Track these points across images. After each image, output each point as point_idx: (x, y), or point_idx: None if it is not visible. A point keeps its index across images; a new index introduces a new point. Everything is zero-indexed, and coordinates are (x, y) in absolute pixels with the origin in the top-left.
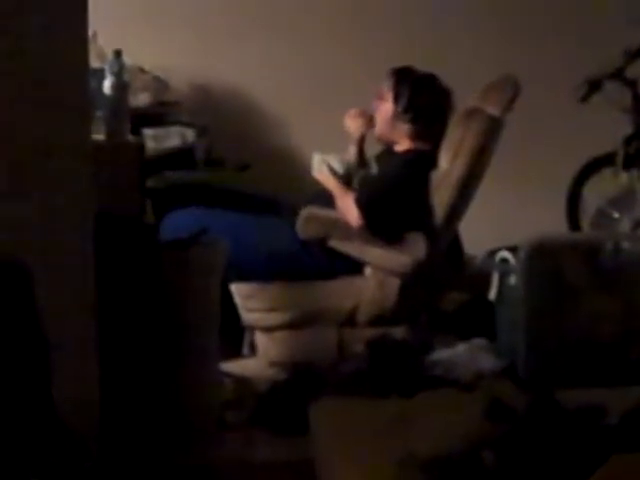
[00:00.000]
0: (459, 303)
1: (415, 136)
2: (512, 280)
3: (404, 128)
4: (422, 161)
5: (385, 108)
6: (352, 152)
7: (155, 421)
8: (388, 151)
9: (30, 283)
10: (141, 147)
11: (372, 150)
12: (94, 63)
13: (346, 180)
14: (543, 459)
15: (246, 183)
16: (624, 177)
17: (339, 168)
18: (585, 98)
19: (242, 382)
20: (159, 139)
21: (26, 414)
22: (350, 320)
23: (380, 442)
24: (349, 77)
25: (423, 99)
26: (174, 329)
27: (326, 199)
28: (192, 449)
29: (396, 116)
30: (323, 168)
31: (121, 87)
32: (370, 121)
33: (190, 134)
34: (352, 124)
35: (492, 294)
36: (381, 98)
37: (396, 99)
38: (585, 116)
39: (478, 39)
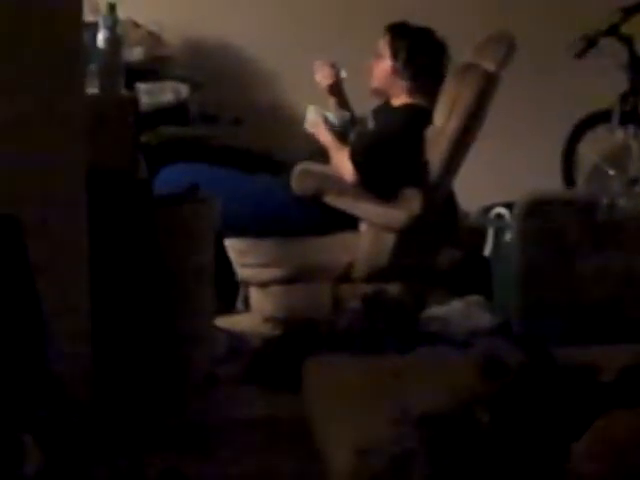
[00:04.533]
0: (454, 259)
1: (414, 91)
2: (507, 236)
3: (403, 84)
4: (419, 116)
5: (383, 65)
6: (332, 103)
7: (147, 375)
8: (385, 106)
9: (22, 237)
10: (135, 101)
11: (368, 105)
12: (88, 17)
13: (342, 134)
14: (537, 416)
15: (240, 138)
16: (619, 134)
17: (335, 121)
18: (581, 54)
19: (236, 337)
20: (153, 94)
21: (18, 368)
22: (345, 276)
23: (374, 399)
24: (343, 31)
25: (422, 55)
26: (167, 284)
27: (321, 155)
28: (183, 404)
29: (395, 72)
30: (319, 120)
31: (115, 41)
32: (335, 68)
33: (184, 89)
34: (319, 76)
35: (487, 250)
36: (377, 55)
37: (395, 55)
38: (581, 72)
39: None
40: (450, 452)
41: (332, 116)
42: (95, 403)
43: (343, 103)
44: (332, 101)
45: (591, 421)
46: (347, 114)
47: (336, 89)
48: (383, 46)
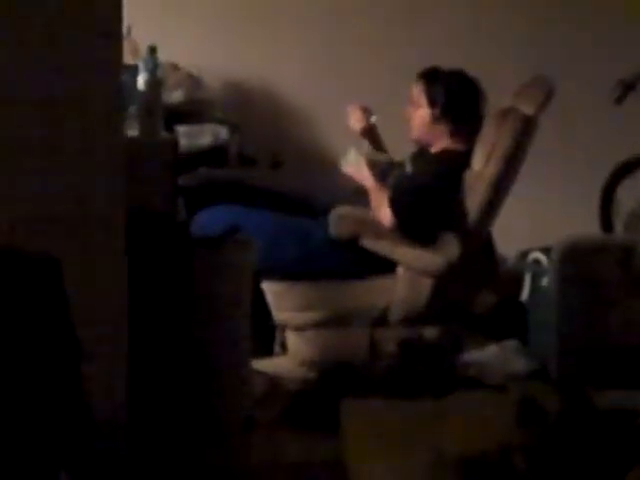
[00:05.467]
0: (491, 304)
1: (454, 136)
2: (544, 281)
3: (443, 129)
4: (456, 161)
5: (420, 113)
6: (366, 146)
7: (184, 418)
8: (423, 151)
9: (61, 278)
10: (174, 144)
11: (405, 148)
12: (128, 59)
13: (383, 176)
14: (575, 462)
15: (278, 181)
16: None
17: (378, 162)
18: (620, 99)
19: (273, 380)
20: (192, 136)
21: (56, 408)
22: (382, 320)
23: (411, 442)
24: (381, 75)
25: (459, 98)
26: (205, 326)
27: (359, 197)
28: (221, 447)
29: (435, 119)
30: (361, 162)
31: (155, 84)
32: (367, 112)
33: (223, 132)
34: (352, 119)
35: (524, 295)
36: (413, 103)
37: (432, 103)
38: (620, 117)
39: (512, 39)
40: None
41: (375, 157)
42: (131, 445)
43: (378, 146)
44: (367, 144)
45: (631, 466)
46: (387, 156)
47: (369, 132)
48: (418, 94)
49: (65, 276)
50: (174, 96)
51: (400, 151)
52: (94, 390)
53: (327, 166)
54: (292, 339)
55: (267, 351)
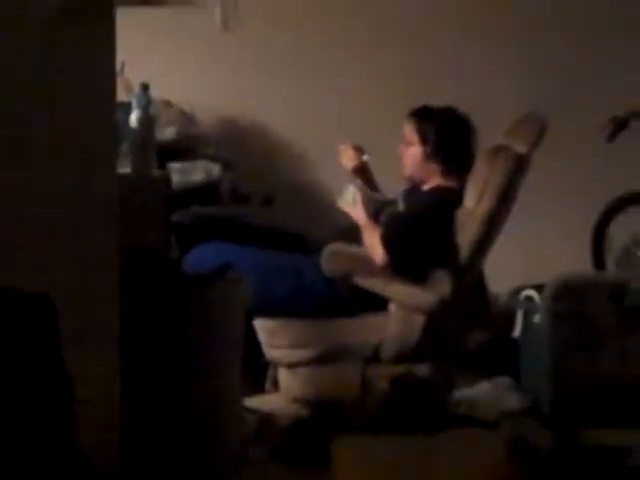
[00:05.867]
0: (483, 341)
1: (446, 173)
2: (537, 318)
3: (435, 167)
4: (449, 199)
5: (412, 152)
6: (359, 185)
7: (176, 456)
8: (415, 188)
9: (55, 317)
10: (167, 181)
11: (396, 186)
12: (121, 97)
13: (379, 208)
14: None
15: (271, 218)
16: None
17: (374, 200)
18: (612, 137)
19: (264, 418)
20: (185, 173)
21: (49, 450)
22: (374, 357)
23: (403, 479)
24: (373, 112)
25: (450, 136)
26: (197, 363)
27: (350, 233)
28: None
29: (427, 158)
30: (357, 199)
31: (148, 121)
32: (359, 150)
33: (215, 168)
34: (344, 158)
35: (516, 332)
36: (405, 142)
37: (424, 141)
38: (612, 154)
39: (505, 76)
40: None
41: (371, 195)
42: None
43: (370, 185)
44: (359, 183)
45: None
46: (380, 194)
47: (361, 171)
48: (410, 133)
49: (59, 314)
50: (167, 133)
51: (392, 189)
52: (86, 431)
53: (320, 203)
54: (284, 376)
55: (259, 388)
